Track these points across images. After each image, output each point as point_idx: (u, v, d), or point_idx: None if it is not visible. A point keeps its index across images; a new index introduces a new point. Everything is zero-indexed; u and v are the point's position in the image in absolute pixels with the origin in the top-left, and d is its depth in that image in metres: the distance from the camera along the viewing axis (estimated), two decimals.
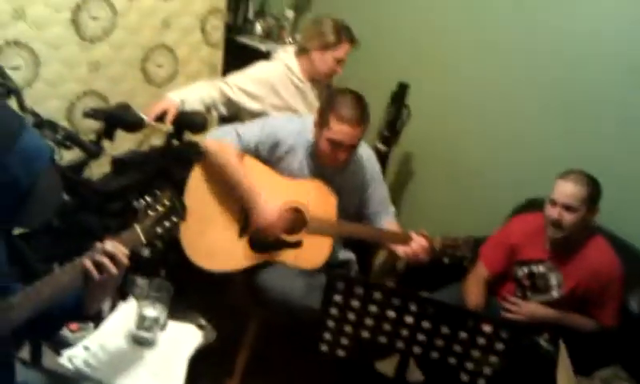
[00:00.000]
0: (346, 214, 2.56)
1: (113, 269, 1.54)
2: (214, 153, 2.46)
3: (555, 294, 2.57)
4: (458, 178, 3.51)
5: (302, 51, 2.96)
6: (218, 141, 2.48)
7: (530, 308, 2.56)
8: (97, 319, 2.03)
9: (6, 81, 2.42)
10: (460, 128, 3.45)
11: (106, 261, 1.53)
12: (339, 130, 2.37)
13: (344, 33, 2.91)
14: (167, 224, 1.74)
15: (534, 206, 2.75)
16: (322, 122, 2.44)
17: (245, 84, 2.88)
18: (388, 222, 2.65)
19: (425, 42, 3.58)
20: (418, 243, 2.42)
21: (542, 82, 3.15)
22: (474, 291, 2.61)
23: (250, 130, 2.53)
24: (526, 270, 2.62)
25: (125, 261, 1.56)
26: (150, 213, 1.71)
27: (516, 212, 2.98)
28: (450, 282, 2.69)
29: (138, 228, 1.67)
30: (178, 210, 1.77)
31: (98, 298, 1.63)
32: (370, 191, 2.66)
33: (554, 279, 2.57)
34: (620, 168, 2.85)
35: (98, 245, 1.55)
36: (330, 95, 2.53)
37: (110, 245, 1.55)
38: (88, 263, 1.52)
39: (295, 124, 2.59)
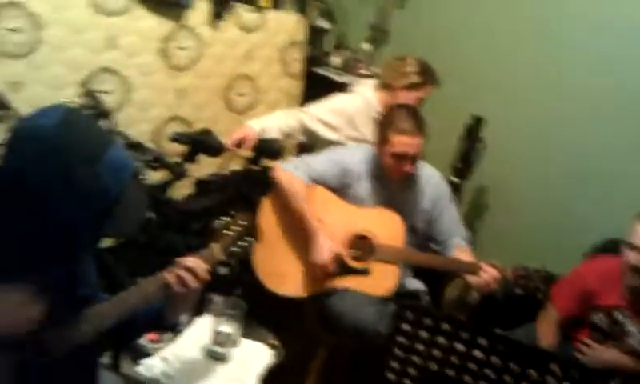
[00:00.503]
0: (414, 236, 2.59)
1: (193, 283, 1.63)
2: (283, 185, 2.55)
3: (632, 342, 2.47)
4: (532, 213, 3.45)
5: (385, 87, 3.00)
6: (288, 173, 2.56)
7: (607, 354, 2.46)
8: (175, 332, 2.13)
9: (98, 104, 2.59)
10: (536, 163, 3.41)
11: (187, 275, 1.62)
12: (399, 141, 2.47)
13: (429, 74, 2.97)
14: (242, 243, 1.84)
15: (613, 246, 2.64)
16: (382, 140, 2.53)
17: (323, 114, 2.97)
18: (459, 245, 2.64)
19: (502, 75, 3.57)
20: (488, 273, 2.41)
21: (628, 117, 3.09)
22: (545, 332, 2.54)
23: (319, 162, 2.61)
24: (602, 316, 2.52)
25: (205, 276, 1.66)
26: (228, 233, 1.82)
27: (593, 252, 2.89)
28: (524, 320, 2.64)
29: (216, 247, 1.77)
30: (253, 230, 1.88)
31: (177, 310, 1.73)
32: (439, 211, 2.68)
33: (632, 327, 2.46)
34: None
35: (180, 260, 1.65)
36: (385, 114, 2.62)
37: (192, 261, 1.65)
38: (171, 277, 1.62)
39: (360, 152, 2.67)
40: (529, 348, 1.89)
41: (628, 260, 2.39)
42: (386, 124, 2.54)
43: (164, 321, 1.72)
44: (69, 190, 1.37)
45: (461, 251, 2.62)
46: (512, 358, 1.86)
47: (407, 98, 2.93)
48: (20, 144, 1.37)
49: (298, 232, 2.57)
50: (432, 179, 2.70)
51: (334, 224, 2.55)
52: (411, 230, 2.59)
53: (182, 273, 1.63)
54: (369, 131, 2.99)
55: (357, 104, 3.01)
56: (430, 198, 2.67)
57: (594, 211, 3.19)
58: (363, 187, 2.62)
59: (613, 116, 3.13)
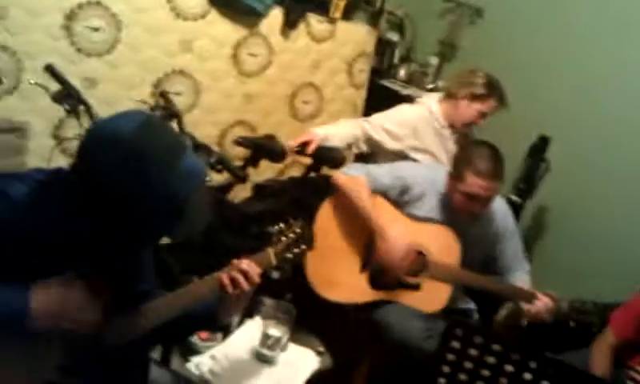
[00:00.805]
0: (470, 265, 2.53)
1: (246, 285, 1.66)
2: (346, 186, 2.54)
3: None
4: (594, 237, 3.34)
5: (448, 96, 2.98)
6: (348, 175, 2.56)
7: None
8: (225, 332, 2.18)
9: (169, 105, 2.68)
10: (601, 187, 3.31)
11: (240, 277, 1.66)
12: (475, 183, 2.36)
13: (495, 89, 2.91)
14: (296, 250, 1.87)
15: None
16: (456, 176, 2.44)
17: (387, 123, 2.97)
18: (520, 278, 2.58)
19: (570, 95, 3.49)
20: (542, 302, 2.34)
21: None
22: (600, 358, 2.47)
23: (381, 173, 2.59)
24: None
25: (257, 279, 1.69)
26: (282, 238, 1.85)
27: None
28: (575, 345, 2.56)
29: (270, 251, 1.81)
30: (307, 238, 1.90)
31: (230, 311, 1.76)
32: (502, 246, 2.62)
33: None
34: None
35: (235, 262, 1.69)
36: (466, 147, 2.54)
37: (246, 263, 1.68)
38: (225, 278, 1.66)
39: (427, 171, 2.62)
40: (580, 373, 1.84)
41: None
42: (463, 160, 2.43)
43: (216, 320, 1.76)
44: (141, 193, 1.40)
45: (522, 282, 2.56)
46: (563, 382, 1.82)
47: (468, 109, 2.91)
48: (98, 145, 1.39)
49: (355, 239, 2.58)
50: (499, 212, 2.61)
51: None
52: (470, 258, 2.52)
53: (236, 274, 1.66)
54: (431, 141, 2.98)
55: (420, 114, 3.00)
56: (495, 230, 2.60)
57: None
58: (427, 208, 2.56)
59: None
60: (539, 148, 3.30)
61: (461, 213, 2.48)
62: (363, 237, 2.58)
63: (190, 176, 1.47)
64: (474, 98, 2.89)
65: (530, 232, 3.64)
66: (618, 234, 3.25)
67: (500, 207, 2.64)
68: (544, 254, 3.58)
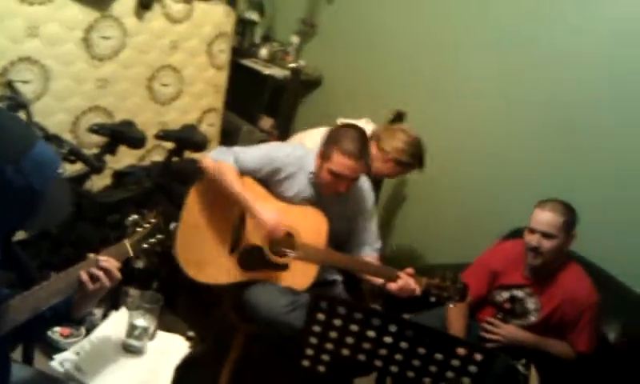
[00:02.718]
0: (336, 240, 2.62)
1: (106, 281, 1.64)
2: (214, 171, 2.53)
3: (533, 318, 2.63)
4: (448, 204, 3.60)
5: (377, 144, 3.01)
6: (215, 159, 2.55)
7: (509, 330, 2.62)
8: (88, 326, 2.11)
9: (16, 95, 2.53)
10: (451, 155, 3.54)
11: (101, 274, 1.63)
12: (340, 162, 2.45)
13: (419, 159, 3.04)
14: (152, 240, 1.89)
15: (520, 234, 2.78)
16: (324, 154, 2.52)
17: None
18: (370, 255, 2.69)
19: (424, 69, 3.68)
20: (405, 281, 2.43)
21: (537, 112, 3.25)
22: (456, 316, 2.67)
23: (250, 155, 2.59)
24: (504, 294, 2.69)
25: (118, 275, 1.67)
26: (138, 229, 1.86)
27: (503, 239, 3.04)
28: (434, 305, 2.74)
29: (126, 242, 1.80)
30: (162, 228, 1.92)
31: (87, 304, 1.71)
32: (362, 222, 2.72)
33: (531, 304, 2.64)
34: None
35: (93, 257, 1.66)
36: (333, 130, 2.61)
37: (106, 261, 1.66)
38: (84, 275, 1.62)
39: (296, 152, 2.66)
40: (436, 332, 1.98)
41: (527, 241, 2.58)
42: (331, 140, 2.51)
43: (71, 315, 1.71)
44: None
45: (372, 259, 2.67)
46: (420, 343, 1.94)
47: (391, 169, 3.02)
48: None
49: (223, 221, 2.58)
50: (364, 190, 2.72)
51: None
52: (335, 234, 2.60)
53: (96, 271, 1.63)
54: None
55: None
56: (359, 206, 2.70)
57: (506, 202, 3.34)
58: (296, 187, 2.61)
59: (527, 111, 3.29)
60: (395, 122, 3.44)
61: (327, 191, 2.56)
62: (232, 219, 2.59)
63: (44, 165, 1.43)
64: (399, 163, 3.00)
65: (390, 203, 3.82)
66: (469, 200, 3.51)
67: (364, 185, 2.74)
68: (402, 222, 3.79)
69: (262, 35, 4.35)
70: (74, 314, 1.71)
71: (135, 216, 1.87)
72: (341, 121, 3.03)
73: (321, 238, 2.56)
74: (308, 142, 2.93)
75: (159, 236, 1.91)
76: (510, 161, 3.37)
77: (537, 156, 3.27)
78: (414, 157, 3.01)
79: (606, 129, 3.04)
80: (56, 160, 1.51)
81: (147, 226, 1.88)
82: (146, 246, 1.86)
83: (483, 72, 3.45)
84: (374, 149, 2.97)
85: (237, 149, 2.65)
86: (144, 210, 1.89)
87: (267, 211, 2.47)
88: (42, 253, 2.36)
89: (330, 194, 2.59)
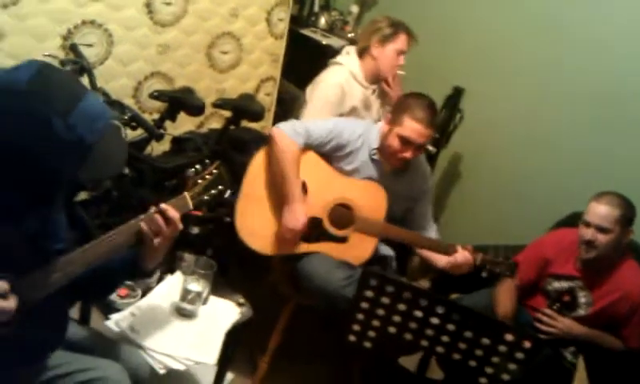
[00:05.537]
0: (392, 219, 2.63)
1: (166, 229, 1.67)
2: (276, 143, 2.54)
3: (582, 312, 2.58)
4: (504, 184, 3.53)
5: (363, 51, 3.02)
6: (284, 134, 2.55)
7: (566, 324, 2.56)
8: (144, 289, 2.18)
9: (80, 59, 2.59)
10: (511, 135, 3.47)
11: (160, 220, 1.66)
12: (411, 127, 2.48)
13: (400, 25, 2.99)
14: (213, 191, 1.85)
15: (578, 219, 2.70)
16: (394, 120, 2.55)
17: (316, 115, 2.90)
18: (433, 237, 2.72)
19: (484, 47, 3.60)
20: (462, 255, 2.48)
21: (598, 95, 3.15)
22: (504, 299, 2.64)
23: (318, 130, 2.60)
24: (556, 284, 2.65)
25: (177, 223, 1.69)
26: (199, 181, 1.83)
27: (560, 224, 2.98)
28: (483, 286, 2.72)
29: (186, 195, 1.79)
30: (225, 178, 1.88)
31: (151, 258, 1.74)
32: (420, 205, 2.75)
33: (582, 298, 2.59)
34: None
35: (152, 208, 1.68)
36: (406, 96, 2.63)
37: (166, 208, 1.68)
38: (145, 225, 1.66)
39: (361, 128, 2.67)
40: (482, 317, 1.98)
41: (581, 234, 2.53)
42: (403, 107, 2.54)
43: (136, 271, 1.76)
44: (43, 141, 1.40)
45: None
46: (467, 326, 1.95)
47: (385, 54, 2.98)
48: None
49: (281, 193, 2.61)
50: (423, 172, 2.76)
51: (319, 189, 2.58)
52: (392, 212, 2.62)
53: (156, 217, 1.66)
54: (356, 100, 3.01)
55: (343, 80, 2.97)
56: (417, 188, 2.72)
57: (563, 186, 3.26)
58: (358, 163, 2.64)
59: (588, 92, 3.19)
60: (454, 98, 3.41)
61: (392, 159, 2.58)
62: None
63: (94, 118, 1.47)
64: (385, 40, 2.97)
65: (445, 180, 3.79)
66: (526, 181, 3.44)
67: (425, 168, 2.78)
68: (457, 201, 3.75)
69: (321, 4, 4.32)
70: (139, 270, 1.75)
71: (197, 166, 1.82)
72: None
73: (380, 211, 2.59)
74: (324, 88, 2.95)
75: (220, 187, 1.86)
76: (568, 145, 3.27)
77: (595, 142, 3.17)
78: (392, 25, 2.97)
79: None
80: (106, 112, 1.53)
81: (209, 176, 1.84)
82: (206, 197, 1.83)
83: (542, 56, 3.35)
84: (366, 61, 3.01)
85: (308, 123, 2.64)
86: (205, 161, 1.85)
87: (295, 217, 2.49)
88: (102, 215, 2.44)
89: (391, 170, 2.61)
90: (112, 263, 1.69)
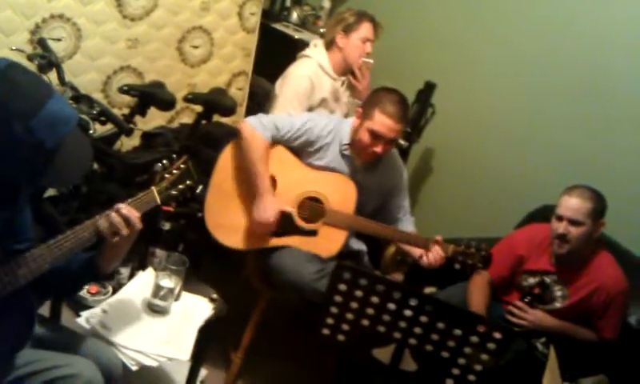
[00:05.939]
0: (362, 212, 2.64)
1: (125, 230, 1.66)
2: (247, 136, 2.54)
3: (558, 304, 2.61)
4: (475, 177, 3.57)
5: (329, 43, 3.04)
6: (252, 128, 2.55)
7: (536, 316, 2.58)
8: (115, 285, 2.16)
9: (48, 53, 2.55)
10: (482, 130, 3.51)
11: (119, 221, 1.65)
12: (381, 121, 2.48)
13: (363, 13, 3.01)
14: (181, 186, 1.85)
15: (549, 212, 2.73)
16: (365, 114, 2.54)
17: (289, 109, 2.90)
18: (407, 229, 2.74)
19: (455, 42, 3.63)
20: (435, 251, 2.49)
21: (568, 89, 3.20)
22: (477, 294, 2.66)
23: (288, 124, 2.60)
24: (531, 280, 2.66)
25: (137, 223, 1.68)
26: (166, 176, 1.83)
27: (531, 217, 3.01)
28: (457, 280, 2.74)
29: (154, 189, 1.79)
30: (193, 173, 1.88)
31: (114, 258, 1.75)
32: (394, 198, 2.76)
33: (558, 291, 2.61)
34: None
35: (114, 206, 1.67)
36: (377, 90, 2.63)
37: (124, 207, 1.67)
38: (102, 223, 1.64)
39: (332, 124, 2.67)
40: (455, 309, 1.99)
41: (554, 229, 2.55)
42: (373, 101, 2.54)
43: (98, 269, 1.75)
44: (3, 144, 1.39)
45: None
46: (439, 317, 1.96)
47: (350, 44, 2.99)
48: None
49: (251, 187, 2.60)
50: (395, 166, 2.76)
51: (289, 183, 2.58)
52: (363, 205, 2.63)
53: (114, 218, 1.65)
54: (325, 91, 3.01)
55: (311, 72, 2.98)
56: (390, 182, 2.73)
57: (534, 179, 3.31)
58: (328, 158, 2.63)
59: (559, 86, 3.23)
60: (425, 93, 3.42)
61: (362, 155, 2.58)
62: None
63: (57, 123, 1.46)
64: (349, 29, 2.99)
65: (417, 174, 3.81)
66: (497, 174, 3.48)
67: (397, 160, 2.78)
68: (429, 194, 3.78)
69: None
70: (103, 268, 1.75)
71: (164, 162, 1.82)
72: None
73: (349, 204, 2.59)
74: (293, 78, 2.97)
75: (189, 182, 1.86)
76: (540, 139, 3.32)
77: (566, 136, 3.21)
78: (355, 14, 3.01)
79: None
80: (71, 118, 1.52)
81: (176, 171, 1.84)
82: (174, 192, 1.83)
83: (514, 51, 3.39)
84: (333, 53, 3.03)
85: (276, 118, 2.64)
86: (173, 157, 1.84)
87: (265, 211, 2.49)
88: (71, 211, 2.41)
89: (362, 165, 2.61)
90: (71, 263, 1.69)
